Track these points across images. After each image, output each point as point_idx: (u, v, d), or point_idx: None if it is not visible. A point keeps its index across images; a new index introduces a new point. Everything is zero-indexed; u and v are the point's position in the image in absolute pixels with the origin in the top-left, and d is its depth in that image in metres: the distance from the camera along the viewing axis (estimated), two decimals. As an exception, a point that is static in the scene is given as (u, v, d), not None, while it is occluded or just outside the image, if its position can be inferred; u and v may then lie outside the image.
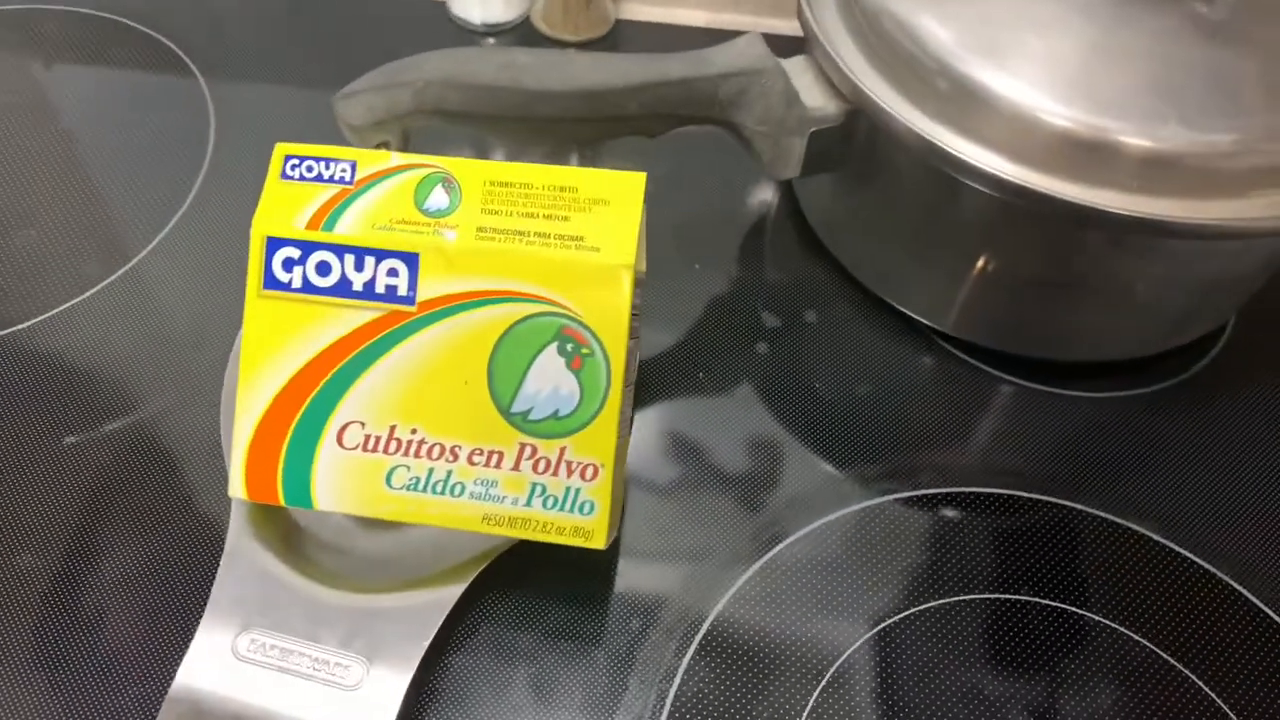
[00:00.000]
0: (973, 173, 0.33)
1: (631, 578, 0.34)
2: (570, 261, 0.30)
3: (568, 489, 0.31)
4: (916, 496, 0.36)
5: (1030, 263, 0.37)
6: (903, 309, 0.40)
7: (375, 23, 0.51)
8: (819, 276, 0.42)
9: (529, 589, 0.34)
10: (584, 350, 0.30)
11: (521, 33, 0.50)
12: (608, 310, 0.30)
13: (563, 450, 0.31)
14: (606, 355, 0.30)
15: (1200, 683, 0.33)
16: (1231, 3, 0.33)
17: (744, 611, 0.33)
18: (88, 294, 0.41)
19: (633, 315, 0.31)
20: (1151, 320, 0.39)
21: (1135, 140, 0.32)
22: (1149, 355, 0.40)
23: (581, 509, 0.31)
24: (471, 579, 0.32)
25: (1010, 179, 0.32)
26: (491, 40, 0.50)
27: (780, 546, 0.35)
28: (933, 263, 0.38)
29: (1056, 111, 0.32)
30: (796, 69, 0.36)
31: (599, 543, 0.31)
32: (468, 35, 0.50)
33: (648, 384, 0.39)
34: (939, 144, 0.33)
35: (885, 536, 0.35)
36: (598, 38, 0.50)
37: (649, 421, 0.38)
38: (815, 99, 0.36)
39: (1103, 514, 0.36)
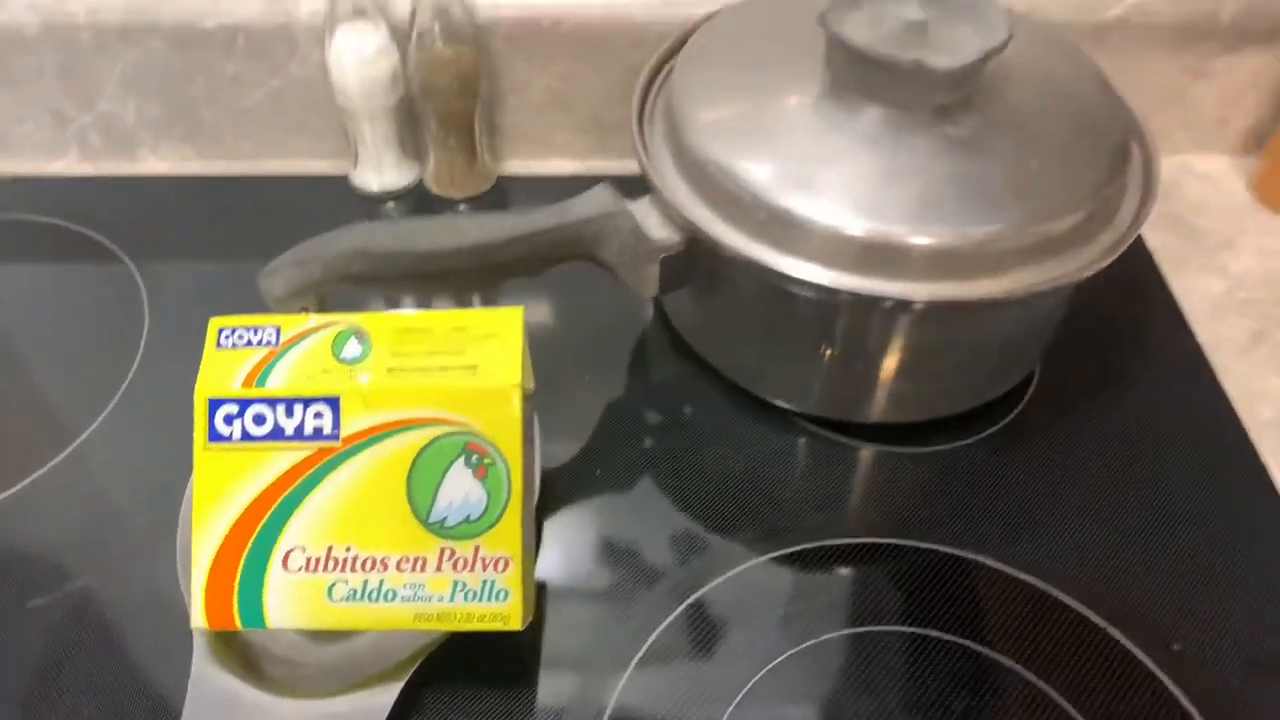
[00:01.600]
0: (790, 280, 0.40)
1: (552, 653, 0.40)
2: (468, 388, 0.36)
3: (484, 581, 0.36)
4: (791, 553, 0.43)
5: (857, 346, 0.44)
6: (762, 396, 0.47)
7: (287, 196, 0.58)
8: (692, 376, 0.49)
9: (463, 678, 0.39)
10: (486, 460, 0.36)
11: (416, 195, 0.57)
12: (502, 424, 0.36)
13: (477, 549, 0.36)
14: (506, 462, 0.36)
15: (1039, 681, 0.39)
16: (972, 123, 0.42)
17: (651, 671, 0.39)
18: (36, 475, 0.45)
19: (526, 424, 0.37)
20: (969, 378, 0.46)
21: (915, 240, 0.39)
22: (974, 408, 0.48)
23: (497, 597, 0.36)
24: (409, 674, 0.37)
25: (822, 283, 0.40)
26: (390, 204, 0.57)
27: (681, 608, 0.41)
28: (779, 355, 0.46)
29: (852, 225, 0.39)
30: (643, 208, 0.43)
31: (516, 625, 0.36)
32: (369, 201, 0.57)
33: (553, 484, 0.45)
34: (758, 260, 0.40)
35: (766, 589, 0.41)
36: (482, 194, 0.57)
37: (557, 516, 0.44)
38: (660, 232, 0.43)
39: (947, 549, 0.43)
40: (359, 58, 0.51)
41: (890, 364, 0.44)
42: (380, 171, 0.56)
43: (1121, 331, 0.52)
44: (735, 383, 0.48)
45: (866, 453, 0.47)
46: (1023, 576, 0.42)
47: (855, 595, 0.41)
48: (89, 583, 0.42)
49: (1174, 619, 0.40)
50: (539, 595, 0.42)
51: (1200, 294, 0.54)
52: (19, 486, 0.45)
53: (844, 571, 0.42)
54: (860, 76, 0.42)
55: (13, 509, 0.44)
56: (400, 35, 0.52)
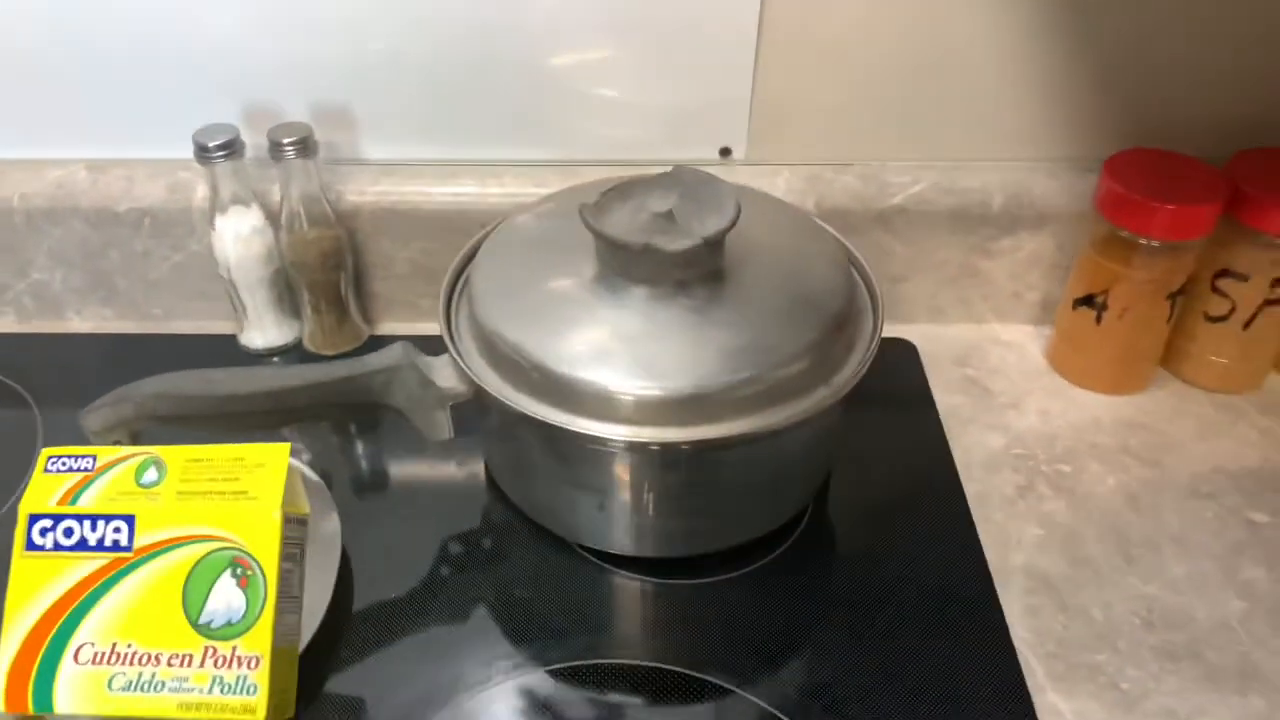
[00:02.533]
0: (560, 431, 0.47)
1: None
2: (238, 509, 0.43)
3: (238, 676, 0.42)
4: (558, 669, 0.48)
5: (629, 488, 0.50)
6: (550, 529, 0.53)
7: (187, 350, 0.66)
8: (497, 511, 0.55)
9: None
10: (248, 573, 0.43)
11: (296, 351, 0.66)
12: (262, 540, 0.43)
13: (234, 648, 0.42)
14: (264, 574, 0.43)
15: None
16: (709, 294, 0.49)
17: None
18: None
19: (289, 541, 0.44)
20: (734, 515, 0.52)
21: (661, 393, 0.46)
22: (744, 543, 0.53)
23: (248, 691, 0.42)
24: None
25: (586, 431, 0.46)
26: (275, 359, 0.66)
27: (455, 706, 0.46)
28: (562, 494, 0.52)
29: (609, 383, 0.46)
30: (440, 363, 0.51)
31: (260, 717, 0.41)
32: (255, 357, 0.65)
33: (360, 601, 0.51)
34: (528, 412, 0.47)
35: (532, 695, 0.46)
36: (354, 349, 0.65)
37: (359, 628, 0.49)
38: (451, 382, 0.50)
39: (691, 672, 0.47)
40: (236, 237, 0.60)
41: (654, 503, 0.50)
42: (263, 331, 0.65)
43: (896, 480, 0.57)
44: (529, 516, 0.54)
45: (639, 583, 0.52)
46: (753, 698, 0.46)
47: (602, 707, 0.46)
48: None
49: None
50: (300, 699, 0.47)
51: (980, 449, 0.59)
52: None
53: (596, 687, 0.47)
54: (616, 260, 0.50)
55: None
56: (274, 218, 0.61)
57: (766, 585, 0.52)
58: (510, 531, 0.54)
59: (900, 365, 0.65)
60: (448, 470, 0.58)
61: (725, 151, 0.65)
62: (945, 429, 0.60)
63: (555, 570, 0.53)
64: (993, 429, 0.60)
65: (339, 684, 0.47)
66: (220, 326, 0.67)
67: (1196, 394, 0.63)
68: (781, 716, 0.45)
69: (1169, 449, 0.59)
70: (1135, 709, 0.46)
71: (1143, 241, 0.57)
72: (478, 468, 0.58)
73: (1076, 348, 0.63)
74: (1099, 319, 0.60)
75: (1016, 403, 0.62)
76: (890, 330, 0.67)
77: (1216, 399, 0.62)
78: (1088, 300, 0.60)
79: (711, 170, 0.52)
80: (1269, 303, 0.58)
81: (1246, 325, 0.59)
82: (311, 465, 0.57)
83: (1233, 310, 0.59)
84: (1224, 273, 0.59)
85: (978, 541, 0.53)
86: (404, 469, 0.59)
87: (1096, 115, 0.62)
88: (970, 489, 0.56)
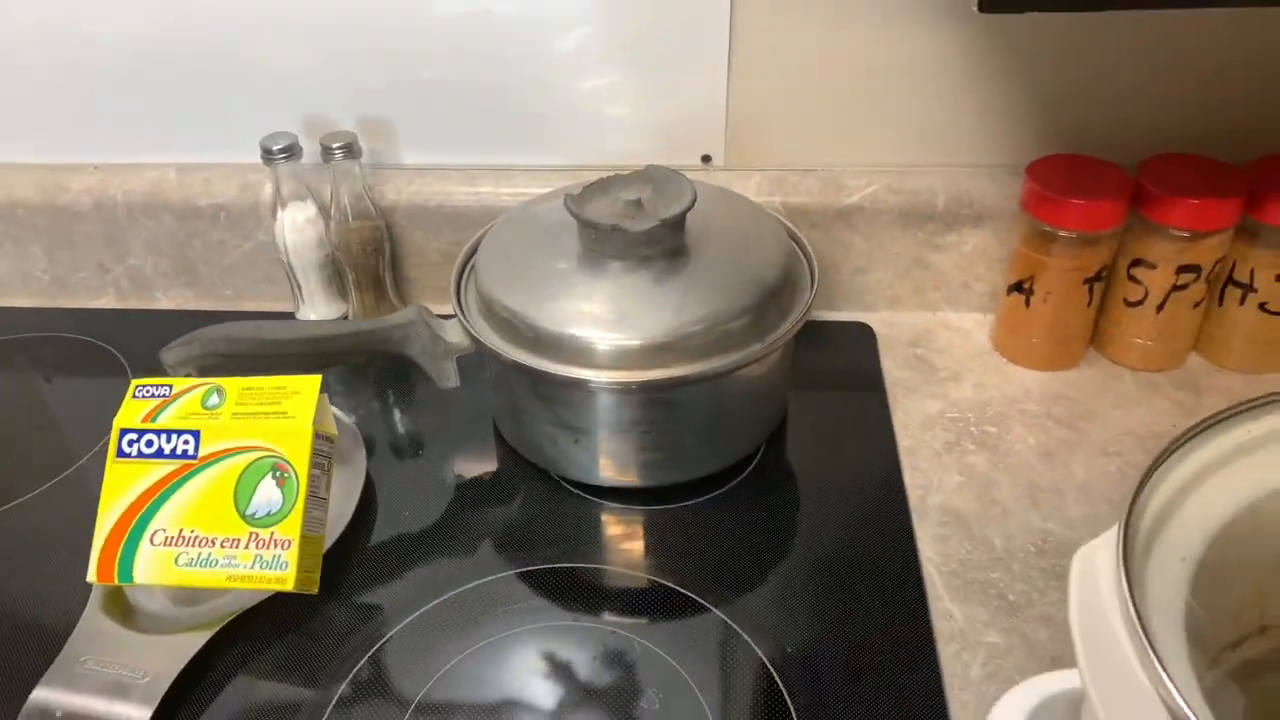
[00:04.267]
0: (544, 375, 0.57)
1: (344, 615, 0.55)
2: (279, 426, 0.55)
3: (274, 555, 0.53)
4: (527, 571, 0.58)
5: (602, 425, 0.60)
6: (537, 464, 0.64)
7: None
8: (497, 452, 0.66)
9: (261, 633, 0.55)
10: (285, 475, 0.54)
11: (344, 328, 0.78)
12: (296, 450, 0.54)
13: (272, 534, 0.53)
14: (297, 476, 0.54)
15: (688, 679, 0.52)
16: (666, 268, 0.59)
17: (404, 639, 0.54)
18: (46, 485, 0.65)
19: (318, 453, 0.55)
20: (696, 452, 0.62)
21: (625, 343, 0.56)
22: (703, 477, 0.62)
23: (281, 566, 0.53)
24: (221, 625, 0.54)
25: (566, 374, 0.57)
26: (325, 334, 0.78)
27: (441, 599, 0.56)
28: (547, 433, 0.62)
29: (585, 335, 0.57)
30: (451, 323, 0.62)
31: (289, 586, 0.52)
32: (309, 332, 0.78)
33: (382, 513, 0.61)
34: (519, 360, 0.58)
35: (507, 592, 0.56)
36: (391, 327, 0.77)
37: (384, 537, 0.60)
38: (457, 338, 0.61)
39: (652, 577, 0.57)
40: (294, 226, 0.73)
41: (621, 438, 0.60)
42: (315, 308, 0.77)
43: (840, 434, 0.67)
44: (521, 455, 0.65)
45: (609, 509, 0.62)
46: (698, 598, 0.56)
47: (568, 601, 0.56)
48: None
49: (799, 636, 0.53)
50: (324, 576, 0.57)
51: (918, 412, 0.68)
52: (35, 492, 0.65)
53: (563, 585, 0.57)
54: (594, 240, 0.60)
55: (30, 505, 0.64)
56: (325, 211, 0.73)
57: (719, 513, 0.61)
58: (506, 468, 0.65)
59: (858, 345, 0.75)
60: (461, 421, 0.69)
61: (706, 158, 0.76)
62: (890, 396, 0.69)
63: (539, 498, 0.63)
64: (932, 397, 0.69)
65: (356, 576, 0.58)
66: (282, 305, 0.80)
67: (1122, 372, 0.70)
68: (716, 610, 0.55)
69: (1088, 417, 0.67)
70: (1018, 615, 0.54)
71: (1060, 233, 0.65)
72: (487, 421, 0.68)
73: (1011, 330, 0.71)
74: (1028, 303, 0.69)
75: (957, 376, 0.71)
76: (852, 315, 0.77)
77: (1139, 376, 0.70)
78: (1018, 286, 0.69)
79: (694, 175, 0.62)
80: (1176, 288, 0.66)
81: (1159, 309, 0.67)
82: (352, 417, 0.68)
83: (1146, 296, 0.67)
84: (1136, 262, 0.67)
85: (903, 484, 0.62)
86: (425, 421, 0.70)
87: (1025, 125, 0.71)
88: (904, 443, 0.65)
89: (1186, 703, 0.29)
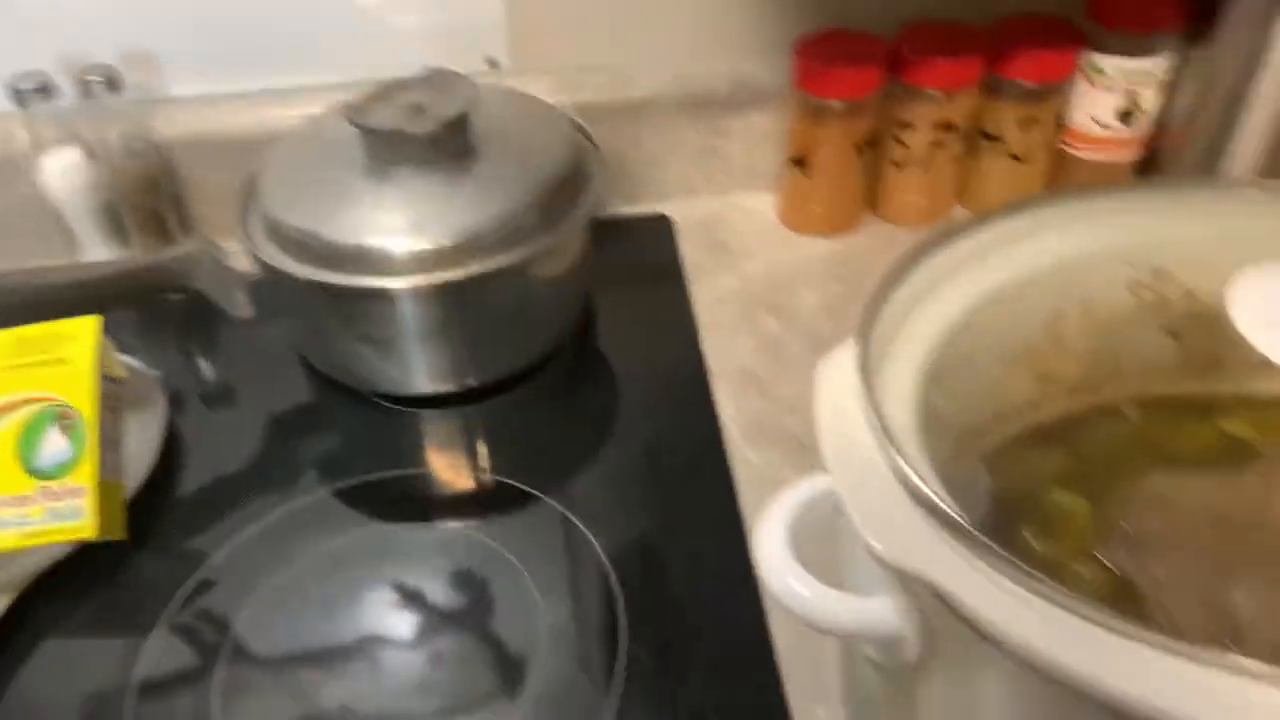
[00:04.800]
0: (341, 289, 0.57)
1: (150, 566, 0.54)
2: (58, 373, 0.53)
3: (69, 505, 0.51)
4: (345, 486, 0.58)
5: (407, 332, 0.60)
6: (347, 383, 0.64)
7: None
8: (303, 378, 0.66)
9: (66, 593, 0.54)
10: (70, 423, 0.52)
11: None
12: (80, 394, 0.53)
13: (64, 484, 0.52)
14: (84, 421, 0.52)
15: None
16: (453, 169, 0.59)
17: (222, 574, 0.54)
18: None
19: (105, 395, 0.53)
20: (500, 346, 0.63)
21: (419, 247, 0.56)
22: (514, 372, 0.64)
23: (77, 515, 0.51)
24: (23, 588, 0.52)
25: (366, 285, 0.57)
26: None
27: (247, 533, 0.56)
28: (353, 349, 0.62)
29: (378, 243, 0.57)
30: (236, 251, 0.61)
31: (91, 534, 0.51)
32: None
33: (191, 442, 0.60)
34: (316, 278, 0.57)
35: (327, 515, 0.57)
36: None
37: (196, 477, 0.59)
38: (244, 264, 0.60)
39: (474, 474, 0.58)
40: (61, 173, 0.69)
41: (427, 342, 0.61)
42: (94, 256, 0.73)
43: (644, 318, 0.69)
44: (334, 379, 0.64)
45: (425, 415, 0.63)
46: (521, 486, 0.57)
47: (391, 509, 0.57)
48: None
49: (618, 506, 0.56)
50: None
51: (716, 289, 0.71)
52: None
53: (386, 495, 0.58)
54: (377, 147, 0.60)
55: None
56: (93, 153, 0.70)
57: (532, 406, 0.63)
58: (318, 396, 0.65)
59: (656, 235, 0.77)
60: (267, 359, 0.68)
61: (493, 62, 0.76)
62: (689, 278, 0.72)
63: (355, 419, 0.63)
64: (728, 273, 0.72)
65: (168, 521, 0.57)
66: (59, 260, 0.76)
67: (897, 231, 0.76)
68: (539, 494, 0.57)
69: (867, 274, 0.70)
70: (808, 453, 0.58)
71: (830, 104, 0.69)
72: (292, 355, 0.67)
73: (794, 203, 0.75)
74: (806, 174, 0.72)
75: (750, 253, 0.74)
76: (651, 208, 0.79)
77: (913, 232, 0.75)
78: (797, 161, 0.72)
79: (483, 80, 0.62)
80: (935, 145, 0.71)
81: (924, 167, 0.72)
82: (155, 372, 0.66)
83: (911, 156, 0.72)
84: (900, 124, 0.71)
85: (701, 354, 0.65)
86: (230, 365, 0.69)
87: (795, 5, 0.74)
88: (703, 318, 0.68)
89: (922, 481, 0.32)
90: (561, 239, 0.60)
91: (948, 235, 0.42)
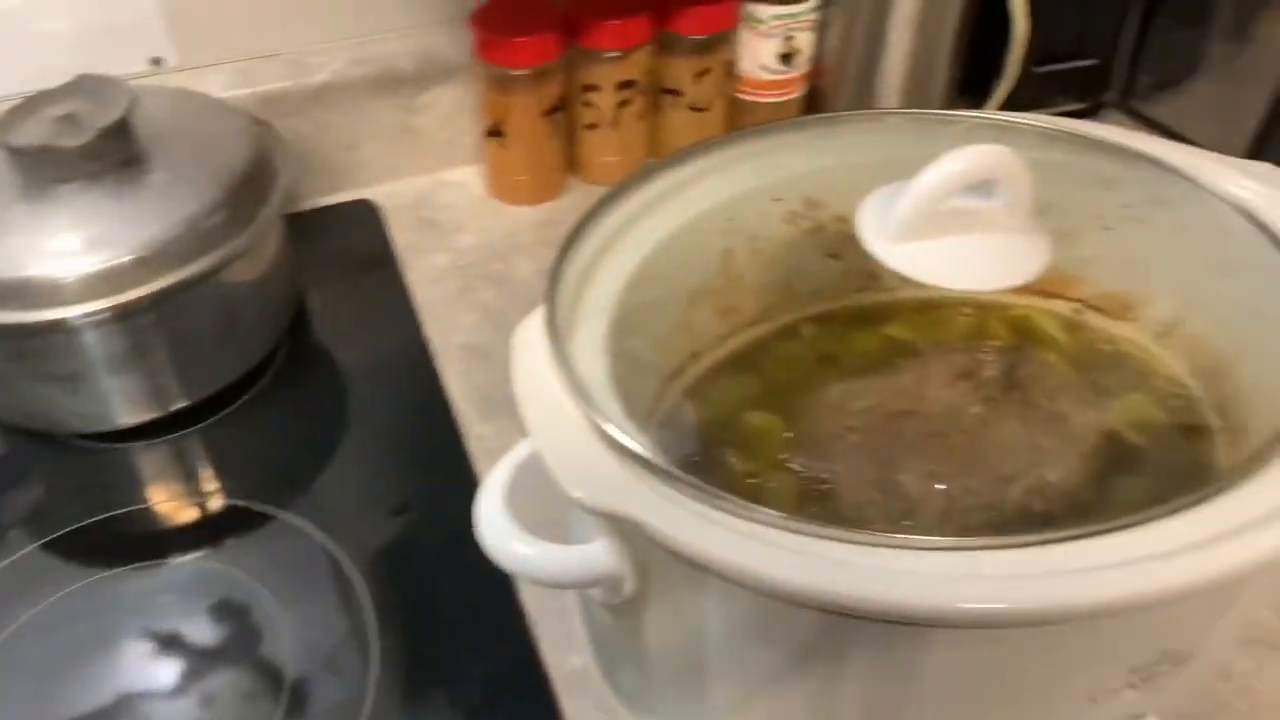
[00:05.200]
0: (11, 328, 0.53)
1: None
2: None
3: None
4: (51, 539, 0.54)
5: (102, 361, 0.56)
6: (39, 429, 0.59)
7: None
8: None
9: None
10: None
11: None
12: None
13: None
14: None
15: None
16: (121, 180, 0.56)
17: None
18: None
19: None
20: (200, 365, 0.60)
21: (98, 267, 0.53)
22: (229, 383, 0.61)
23: None
24: None
25: (39, 319, 0.53)
26: None
27: None
28: (41, 391, 0.57)
29: (56, 271, 0.53)
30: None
31: None
32: None
33: None
34: None
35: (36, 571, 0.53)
36: None
37: None
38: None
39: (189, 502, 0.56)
40: None
41: (124, 369, 0.57)
42: None
43: (361, 309, 0.69)
44: (21, 427, 0.60)
45: (139, 447, 0.59)
46: (253, 505, 0.56)
47: (111, 553, 0.54)
48: None
49: (351, 510, 0.56)
50: None
51: (430, 268, 0.71)
52: None
53: (101, 540, 0.54)
54: (30, 167, 0.55)
55: None
56: None
57: (253, 418, 0.61)
58: (6, 448, 0.60)
59: (363, 221, 0.76)
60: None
61: (156, 61, 0.71)
62: (401, 261, 0.72)
63: (51, 466, 0.59)
64: (441, 251, 0.73)
65: None
66: None
67: (598, 190, 0.77)
68: (275, 511, 0.55)
69: (578, 235, 0.74)
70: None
71: (514, 73, 0.70)
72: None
73: (497, 173, 0.76)
74: (503, 144, 0.73)
75: (461, 227, 0.75)
76: (354, 194, 0.78)
77: (616, 190, 0.78)
78: (492, 131, 0.73)
79: (148, 80, 0.58)
80: (621, 105, 0.74)
81: (614, 126, 0.75)
82: None
83: (600, 117, 0.74)
84: (585, 88, 0.73)
85: (423, 336, 0.66)
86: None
87: (465, -23, 0.75)
88: (421, 299, 0.68)
89: (611, 424, 0.34)
90: (254, 239, 0.58)
91: (619, 192, 0.45)
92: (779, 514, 0.31)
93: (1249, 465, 0.33)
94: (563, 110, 0.73)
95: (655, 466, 0.33)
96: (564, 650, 0.48)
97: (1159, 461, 0.45)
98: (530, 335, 0.39)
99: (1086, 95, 0.84)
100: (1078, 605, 0.29)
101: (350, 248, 0.73)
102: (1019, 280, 0.38)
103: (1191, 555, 0.29)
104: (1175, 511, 0.31)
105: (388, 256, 0.72)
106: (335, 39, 0.73)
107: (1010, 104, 0.81)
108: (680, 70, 0.74)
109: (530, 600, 0.50)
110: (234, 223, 0.57)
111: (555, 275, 0.40)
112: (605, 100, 0.73)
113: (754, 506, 0.31)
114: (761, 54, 0.75)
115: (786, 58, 0.75)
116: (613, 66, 0.72)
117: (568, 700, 0.47)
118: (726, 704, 0.39)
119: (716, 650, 0.37)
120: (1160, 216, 0.47)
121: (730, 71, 0.76)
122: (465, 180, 0.79)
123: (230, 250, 0.57)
